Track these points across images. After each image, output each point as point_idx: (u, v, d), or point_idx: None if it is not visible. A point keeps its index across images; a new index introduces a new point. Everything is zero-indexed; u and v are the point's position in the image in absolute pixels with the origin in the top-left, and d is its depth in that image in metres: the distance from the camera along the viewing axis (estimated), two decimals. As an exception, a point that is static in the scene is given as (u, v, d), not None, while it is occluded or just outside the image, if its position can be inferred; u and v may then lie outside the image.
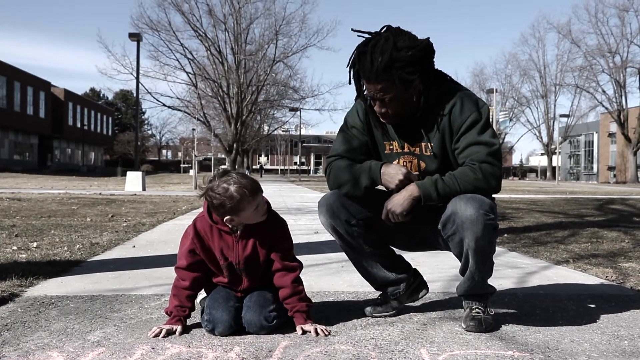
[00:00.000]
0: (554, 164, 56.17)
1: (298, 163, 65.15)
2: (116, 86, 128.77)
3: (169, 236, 5.38)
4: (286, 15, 36.71)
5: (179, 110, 38.39)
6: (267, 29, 37.29)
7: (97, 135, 65.16)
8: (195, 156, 23.64)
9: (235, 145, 37.26)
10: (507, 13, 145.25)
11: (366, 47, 2.13)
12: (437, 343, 2.07)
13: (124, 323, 2.31)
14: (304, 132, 56.39)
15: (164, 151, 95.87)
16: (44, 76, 68.62)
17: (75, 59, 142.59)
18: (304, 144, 72.01)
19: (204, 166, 51.27)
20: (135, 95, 25.71)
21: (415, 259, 3.39)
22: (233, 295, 2.26)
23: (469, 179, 2.15)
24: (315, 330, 2.14)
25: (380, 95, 2.17)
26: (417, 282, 2.57)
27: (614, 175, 56.93)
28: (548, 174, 62.39)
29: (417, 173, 2.30)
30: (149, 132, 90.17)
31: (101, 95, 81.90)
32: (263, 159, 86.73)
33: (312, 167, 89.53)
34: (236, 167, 36.85)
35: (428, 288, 2.61)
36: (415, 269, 2.60)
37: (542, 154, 74.51)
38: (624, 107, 49.48)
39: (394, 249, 2.55)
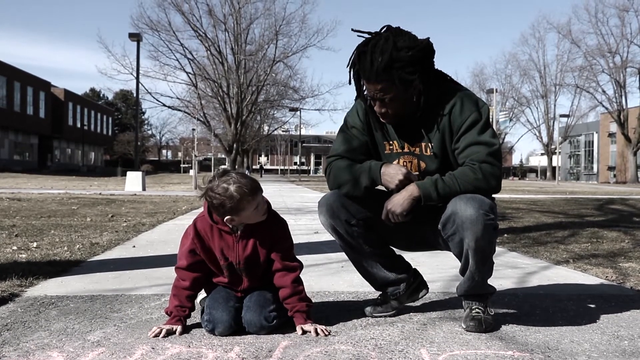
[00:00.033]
0: (554, 164, 56.18)
1: (298, 163, 65.16)
2: (116, 86, 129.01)
3: (169, 236, 5.38)
4: (286, 16, 36.75)
5: (179, 110, 38.41)
6: (267, 29, 37.34)
7: (97, 135, 65.17)
8: (195, 156, 23.65)
9: (235, 145, 37.25)
10: (507, 13, 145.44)
11: (366, 47, 2.13)
12: (437, 343, 2.07)
13: (124, 323, 2.31)
14: (304, 132, 56.40)
15: (164, 151, 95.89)
16: (44, 76, 68.80)
17: (75, 59, 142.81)
18: (304, 144, 72.03)
19: (204, 166, 51.28)
20: (135, 95, 25.72)
21: (415, 259, 3.39)
22: (233, 295, 2.26)
23: (469, 179, 2.15)
24: (315, 330, 2.14)
25: (380, 95, 2.17)
26: (417, 282, 2.57)
27: (614, 175, 56.94)
28: (548, 174, 62.39)
29: (417, 173, 2.30)
30: (149, 132, 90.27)
31: (101, 95, 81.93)
32: (263, 159, 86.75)
33: (312, 167, 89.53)
34: (236, 167, 36.85)
35: (428, 288, 2.61)
36: (415, 269, 2.60)
37: (542, 154, 74.52)
38: (624, 107, 49.46)
39: (394, 249, 2.55)
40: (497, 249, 3.45)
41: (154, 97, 34.73)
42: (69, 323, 2.29)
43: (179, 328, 2.16)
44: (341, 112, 41.55)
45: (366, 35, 2.18)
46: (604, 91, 51.40)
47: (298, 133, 51.31)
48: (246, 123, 39.11)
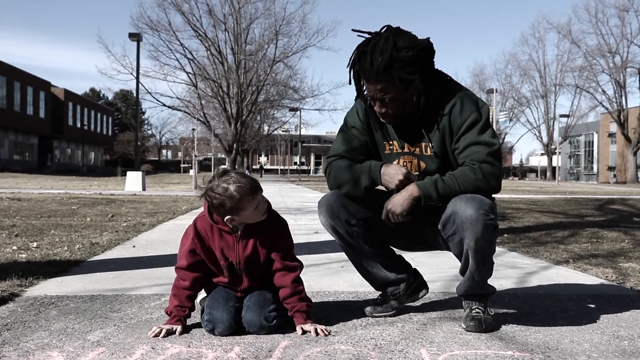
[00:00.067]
0: (554, 164, 56.18)
1: (298, 163, 65.16)
2: (116, 86, 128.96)
3: (169, 236, 5.38)
4: (286, 16, 36.72)
5: (179, 110, 38.39)
6: (267, 29, 37.31)
7: (97, 135, 65.17)
8: (195, 156, 23.65)
9: (235, 145, 37.24)
10: (507, 13, 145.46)
11: (366, 47, 2.13)
12: (437, 343, 2.07)
13: (124, 323, 2.31)
14: (304, 132, 56.39)
15: (164, 151, 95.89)
16: (44, 76, 68.71)
17: (75, 59, 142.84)
18: (304, 144, 72.02)
19: (204, 166, 51.30)
20: (135, 95, 25.72)
21: (415, 259, 3.39)
22: (233, 295, 2.26)
23: (469, 179, 2.15)
24: (315, 330, 2.14)
25: (380, 95, 2.17)
26: (417, 282, 2.57)
27: (614, 176, 56.94)
28: (548, 174, 62.39)
29: (417, 173, 2.30)
30: (149, 132, 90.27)
31: (101, 95, 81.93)
32: (263, 159, 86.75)
33: (312, 167, 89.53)
34: (236, 167, 36.84)
35: (428, 288, 2.62)
36: (415, 269, 2.60)
37: (542, 154, 74.50)
38: (624, 107, 49.46)
39: (394, 249, 2.55)
40: (497, 249, 3.45)
41: (154, 97, 34.76)
42: (69, 323, 2.29)
43: (179, 328, 2.16)
44: (341, 112, 41.62)
45: (366, 35, 2.18)
46: (604, 91, 51.46)
47: (298, 133, 51.31)
48: (246, 123, 39.10)
